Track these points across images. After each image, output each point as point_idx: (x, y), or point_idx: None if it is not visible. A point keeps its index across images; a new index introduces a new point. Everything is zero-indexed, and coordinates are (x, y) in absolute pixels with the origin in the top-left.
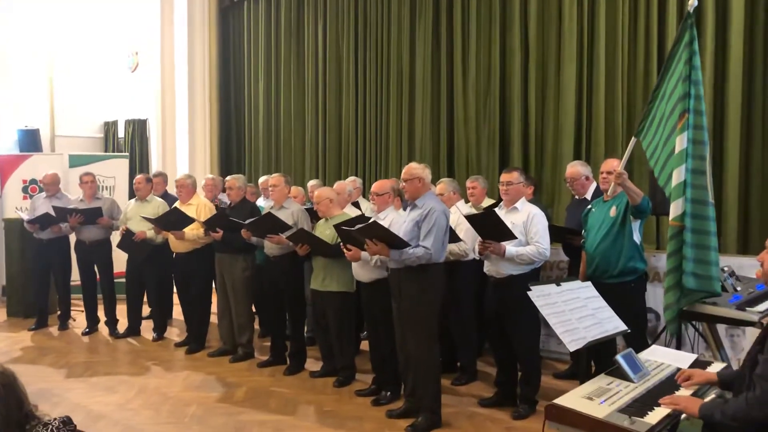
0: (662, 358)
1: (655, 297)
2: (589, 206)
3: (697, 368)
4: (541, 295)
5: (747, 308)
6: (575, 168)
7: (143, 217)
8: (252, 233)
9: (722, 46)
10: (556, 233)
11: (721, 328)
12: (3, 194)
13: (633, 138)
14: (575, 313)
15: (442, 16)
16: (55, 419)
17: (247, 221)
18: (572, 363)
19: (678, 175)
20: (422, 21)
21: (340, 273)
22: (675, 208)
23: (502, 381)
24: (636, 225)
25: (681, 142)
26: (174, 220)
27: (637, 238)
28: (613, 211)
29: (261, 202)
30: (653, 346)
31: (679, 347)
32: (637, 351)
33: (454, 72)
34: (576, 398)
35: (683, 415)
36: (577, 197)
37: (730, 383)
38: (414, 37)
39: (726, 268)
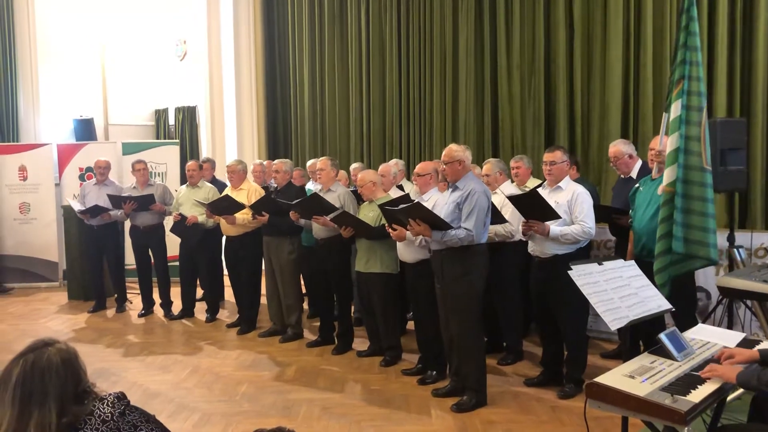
0: (708, 337)
1: (705, 276)
2: (637, 185)
3: (744, 347)
4: (582, 274)
5: None
6: (617, 147)
7: (197, 201)
8: (299, 215)
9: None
10: (601, 213)
11: None
12: (61, 182)
13: (664, 114)
14: (617, 291)
15: None
16: (110, 394)
17: (294, 202)
18: (620, 343)
19: (672, 142)
20: (464, 1)
21: (383, 255)
22: (668, 175)
23: (548, 361)
24: None
25: (676, 109)
26: (225, 206)
27: None
28: (660, 190)
29: (310, 185)
30: (700, 325)
31: (730, 326)
32: (686, 330)
33: (497, 51)
34: (617, 377)
35: (730, 397)
36: (622, 176)
37: None
38: (457, 18)
39: None
